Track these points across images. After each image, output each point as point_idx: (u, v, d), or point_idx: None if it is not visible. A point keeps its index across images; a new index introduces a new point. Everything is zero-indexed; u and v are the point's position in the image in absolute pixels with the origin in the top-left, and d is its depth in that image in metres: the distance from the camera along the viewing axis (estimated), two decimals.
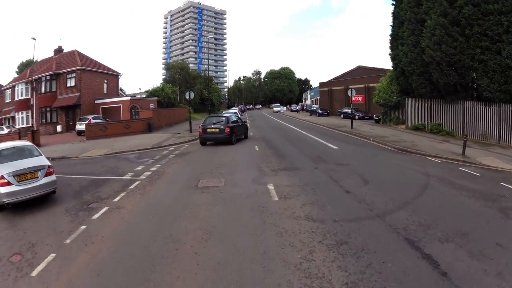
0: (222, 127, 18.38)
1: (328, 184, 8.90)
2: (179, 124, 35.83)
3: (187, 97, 25.59)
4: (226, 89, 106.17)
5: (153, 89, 42.70)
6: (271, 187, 8.59)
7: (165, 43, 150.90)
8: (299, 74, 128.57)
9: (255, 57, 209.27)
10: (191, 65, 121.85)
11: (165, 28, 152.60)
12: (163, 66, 56.00)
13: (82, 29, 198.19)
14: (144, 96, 44.26)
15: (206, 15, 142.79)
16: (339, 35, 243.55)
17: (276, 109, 68.89)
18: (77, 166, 13.53)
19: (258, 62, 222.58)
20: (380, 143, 17.06)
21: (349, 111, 39.11)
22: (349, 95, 26.45)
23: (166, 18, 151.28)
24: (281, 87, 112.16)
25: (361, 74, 44.27)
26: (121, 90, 48.34)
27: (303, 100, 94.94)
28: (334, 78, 49.01)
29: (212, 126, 18.41)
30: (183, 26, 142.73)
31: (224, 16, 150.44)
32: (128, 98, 35.35)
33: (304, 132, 23.81)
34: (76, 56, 33.71)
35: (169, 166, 12.17)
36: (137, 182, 9.67)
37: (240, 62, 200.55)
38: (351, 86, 44.31)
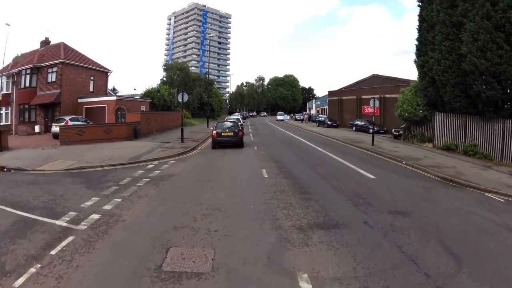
0: (236, 130, 20.00)
1: (404, 268, 4.91)
2: (173, 130, 31.99)
3: (180, 100, 21.78)
4: (228, 95, 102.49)
5: (147, 90, 38.86)
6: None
7: (168, 45, 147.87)
8: (303, 83, 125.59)
9: (258, 64, 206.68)
10: (192, 68, 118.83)
11: (168, 29, 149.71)
12: (163, 67, 52.26)
13: (84, 28, 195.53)
14: (138, 97, 40.41)
15: (210, 18, 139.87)
16: (344, 45, 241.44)
17: (279, 117, 65.16)
18: (19, 186, 9.87)
19: (262, 68, 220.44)
20: (417, 168, 13.44)
21: (363, 123, 35.41)
22: (371, 105, 22.74)
23: (170, 19, 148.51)
24: (285, 95, 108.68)
25: (376, 84, 40.70)
26: (114, 90, 44.49)
27: (308, 109, 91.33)
28: (345, 87, 45.33)
29: (227, 130, 19.99)
30: (186, 28, 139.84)
31: (229, 20, 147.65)
32: (114, 98, 31.40)
33: (320, 149, 20.08)
34: (61, 48, 29.94)
35: (133, 203, 8.13)
36: (65, 243, 5.67)
37: (243, 68, 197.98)
38: (364, 96, 40.80)
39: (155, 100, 36.68)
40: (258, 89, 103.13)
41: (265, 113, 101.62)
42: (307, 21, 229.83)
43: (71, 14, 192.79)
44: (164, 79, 48.15)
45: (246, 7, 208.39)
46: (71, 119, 23.83)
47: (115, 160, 14.37)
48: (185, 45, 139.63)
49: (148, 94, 37.93)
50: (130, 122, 24.32)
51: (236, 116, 42.10)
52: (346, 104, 42.46)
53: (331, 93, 46.33)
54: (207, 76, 53.74)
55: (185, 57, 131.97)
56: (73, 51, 31.29)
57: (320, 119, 43.55)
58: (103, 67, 33.27)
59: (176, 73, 47.06)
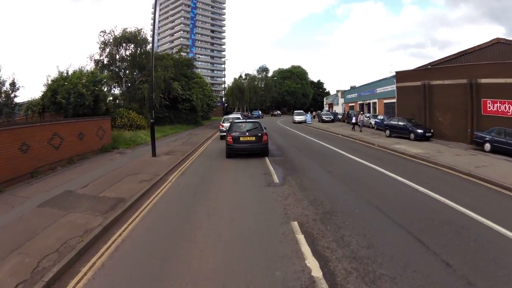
0: (259, 134, 14.19)
1: None
2: (90, 162, 12.16)
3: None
4: (224, 92, 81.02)
5: (52, 80, 18.65)
6: None
7: (152, 36, 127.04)
8: (310, 76, 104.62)
9: (258, 56, 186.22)
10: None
11: (153, 19, 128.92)
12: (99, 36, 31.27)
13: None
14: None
15: (201, 3, 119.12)
16: (351, 38, 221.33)
17: (298, 118, 43.82)
18: None
19: (262, 62, 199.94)
20: None
21: None
22: None
23: (154, 6, 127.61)
24: (293, 89, 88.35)
25: (502, 56, 20.96)
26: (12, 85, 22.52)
27: (327, 105, 70.99)
28: (437, 62, 25.10)
29: (247, 134, 14.17)
30: (173, 15, 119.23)
31: (223, 5, 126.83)
32: None
33: None
34: None
35: None
36: None
37: (241, 61, 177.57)
38: (485, 80, 20.81)
39: (60, 96, 16.71)
40: (261, 82, 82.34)
41: (278, 112, 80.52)
42: (304, 19, 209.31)
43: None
44: (103, 59, 26.97)
45: None
46: None
47: None
48: (172, 34, 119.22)
49: (52, 86, 17.88)
50: None
51: (236, 115, 29.99)
52: (440, 94, 22.46)
53: (400, 75, 26.12)
54: (183, 53, 32.99)
55: (172, 48, 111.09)
56: None
57: (391, 123, 23.27)
58: None
59: (122, 46, 26.50)
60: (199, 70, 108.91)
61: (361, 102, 40.92)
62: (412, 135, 20.57)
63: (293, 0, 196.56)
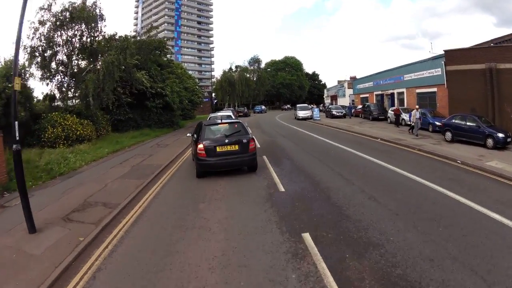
0: (244, 140, 9.70)
1: None
2: None
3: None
4: (212, 87, 72.97)
5: None
6: None
7: (136, 31, 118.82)
8: (305, 68, 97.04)
9: (249, 49, 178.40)
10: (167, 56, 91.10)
11: (136, 13, 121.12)
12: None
13: None
14: None
15: None
16: (343, 30, 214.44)
17: (302, 113, 36.00)
18: None
19: (253, 54, 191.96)
20: None
21: None
22: None
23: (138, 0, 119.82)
24: (288, 81, 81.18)
25: None
26: None
27: (328, 98, 64.04)
28: (503, 39, 18.47)
29: (226, 141, 9.59)
30: (156, 7, 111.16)
31: None
32: None
33: None
34: None
35: None
36: None
37: (231, 55, 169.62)
38: None
39: None
40: (253, 74, 74.86)
41: (288, 106, 73.41)
42: (294, 13, 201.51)
43: None
44: (36, 44, 19.43)
45: None
46: None
47: None
48: (157, 27, 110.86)
49: None
50: None
51: (226, 113, 22.72)
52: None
53: (453, 56, 19.15)
54: (151, 34, 25.54)
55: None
56: None
57: (460, 122, 15.53)
58: None
59: (65, 26, 19.26)
60: (185, 64, 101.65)
61: (379, 92, 33.27)
62: (490, 141, 13.52)
63: None
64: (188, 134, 12.49)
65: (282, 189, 8.18)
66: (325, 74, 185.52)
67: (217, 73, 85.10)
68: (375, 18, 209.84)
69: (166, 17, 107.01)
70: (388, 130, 21.19)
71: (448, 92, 19.91)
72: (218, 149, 9.36)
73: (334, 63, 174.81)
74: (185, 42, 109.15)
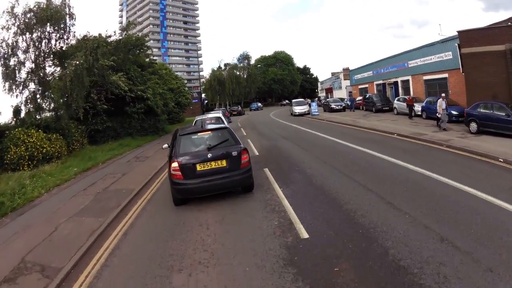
0: (234, 152, 7.13)
1: None
2: None
3: None
4: (201, 87, 69.67)
5: None
6: None
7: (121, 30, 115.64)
8: (296, 62, 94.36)
9: (237, 47, 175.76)
10: (154, 58, 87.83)
11: (121, 16, 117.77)
12: None
13: None
14: None
15: None
16: (332, 22, 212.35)
17: (299, 109, 33.63)
18: None
19: (242, 51, 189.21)
20: None
21: None
22: None
23: (122, 3, 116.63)
24: (280, 77, 78.88)
25: None
26: None
27: (323, 91, 61.81)
28: None
29: (210, 156, 7.00)
30: (140, 9, 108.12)
31: None
32: None
33: None
34: None
35: None
36: None
37: (219, 54, 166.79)
38: None
39: None
40: (243, 71, 72.14)
41: (287, 101, 69.87)
42: (281, 9, 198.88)
43: None
44: None
45: None
46: None
47: None
48: (141, 30, 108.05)
49: None
50: None
51: (215, 114, 20.07)
52: None
53: (468, 37, 17.16)
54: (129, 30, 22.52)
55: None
56: None
57: (487, 111, 13.16)
58: None
59: (31, 28, 16.57)
60: (173, 65, 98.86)
61: (380, 82, 31.23)
62: None
63: None
64: (165, 146, 9.74)
65: (305, 235, 5.31)
66: (316, 67, 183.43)
67: (206, 73, 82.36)
68: (363, 8, 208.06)
69: (151, 18, 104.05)
70: (400, 122, 19.01)
71: (465, 77, 17.69)
72: (198, 167, 6.94)
73: (325, 56, 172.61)
74: (172, 43, 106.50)
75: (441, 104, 15.20)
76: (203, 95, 64.93)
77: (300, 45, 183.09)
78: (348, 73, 42.55)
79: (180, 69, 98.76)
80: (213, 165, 6.97)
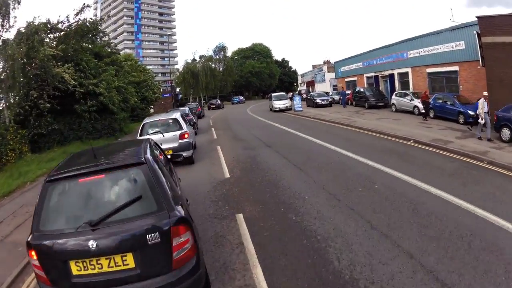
0: (154, 236, 2.76)
1: None
2: None
3: None
4: (175, 80, 67.46)
5: None
6: None
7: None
8: (274, 55, 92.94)
9: (214, 39, 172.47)
10: (127, 50, 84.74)
11: (95, 9, 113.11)
12: None
13: None
14: None
15: None
16: (312, 12, 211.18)
17: (279, 103, 30.74)
18: None
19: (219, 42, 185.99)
20: None
21: None
22: None
23: None
24: (258, 69, 77.44)
25: None
26: None
27: (304, 84, 60.71)
28: None
29: (94, 248, 2.69)
30: (114, 1, 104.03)
31: None
32: None
33: None
34: None
35: None
36: None
37: (196, 46, 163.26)
38: None
39: None
40: (219, 64, 70.25)
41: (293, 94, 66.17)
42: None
43: None
44: None
45: None
46: None
47: None
48: (115, 22, 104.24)
49: None
50: None
51: (173, 114, 12.54)
52: None
53: (490, 24, 14.59)
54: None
55: (116, 37, 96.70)
56: None
57: None
58: None
59: None
60: (147, 59, 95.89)
61: (371, 74, 27.95)
62: None
63: None
64: None
65: None
66: (295, 60, 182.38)
67: (181, 66, 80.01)
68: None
69: (125, 10, 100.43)
70: (405, 122, 16.56)
71: (487, 72, 14.92)
72: (74, 268, 3.06)
73: (304, 48, 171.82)
74: (146, 35, 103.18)
75: (483, 105, 12.10)
76: (177, 89, 62.86)
77: (279, 37, 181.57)
78: (332, 65, 40.52)
79: (154, 62, 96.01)
80: (105, 265, 3.06)
